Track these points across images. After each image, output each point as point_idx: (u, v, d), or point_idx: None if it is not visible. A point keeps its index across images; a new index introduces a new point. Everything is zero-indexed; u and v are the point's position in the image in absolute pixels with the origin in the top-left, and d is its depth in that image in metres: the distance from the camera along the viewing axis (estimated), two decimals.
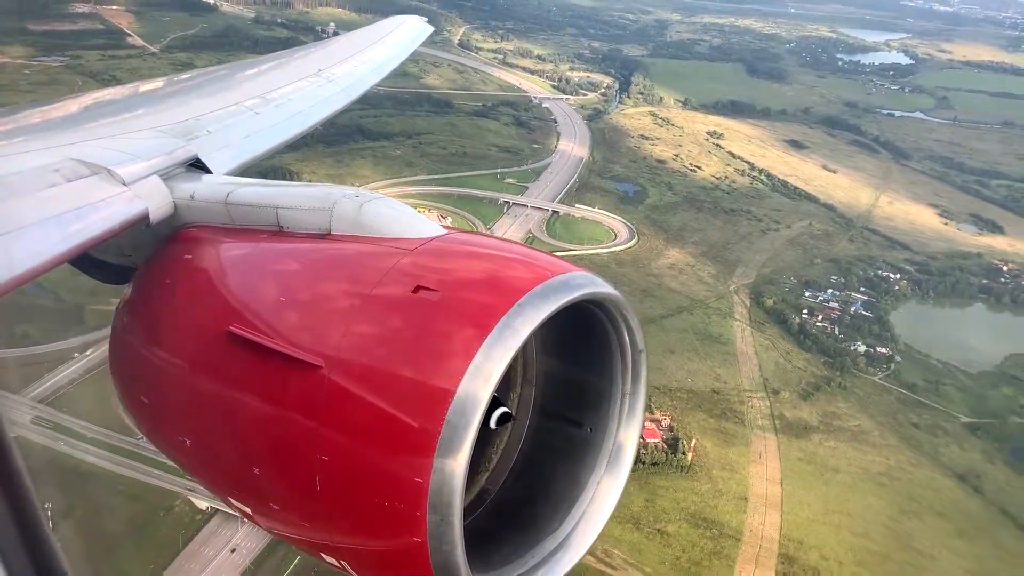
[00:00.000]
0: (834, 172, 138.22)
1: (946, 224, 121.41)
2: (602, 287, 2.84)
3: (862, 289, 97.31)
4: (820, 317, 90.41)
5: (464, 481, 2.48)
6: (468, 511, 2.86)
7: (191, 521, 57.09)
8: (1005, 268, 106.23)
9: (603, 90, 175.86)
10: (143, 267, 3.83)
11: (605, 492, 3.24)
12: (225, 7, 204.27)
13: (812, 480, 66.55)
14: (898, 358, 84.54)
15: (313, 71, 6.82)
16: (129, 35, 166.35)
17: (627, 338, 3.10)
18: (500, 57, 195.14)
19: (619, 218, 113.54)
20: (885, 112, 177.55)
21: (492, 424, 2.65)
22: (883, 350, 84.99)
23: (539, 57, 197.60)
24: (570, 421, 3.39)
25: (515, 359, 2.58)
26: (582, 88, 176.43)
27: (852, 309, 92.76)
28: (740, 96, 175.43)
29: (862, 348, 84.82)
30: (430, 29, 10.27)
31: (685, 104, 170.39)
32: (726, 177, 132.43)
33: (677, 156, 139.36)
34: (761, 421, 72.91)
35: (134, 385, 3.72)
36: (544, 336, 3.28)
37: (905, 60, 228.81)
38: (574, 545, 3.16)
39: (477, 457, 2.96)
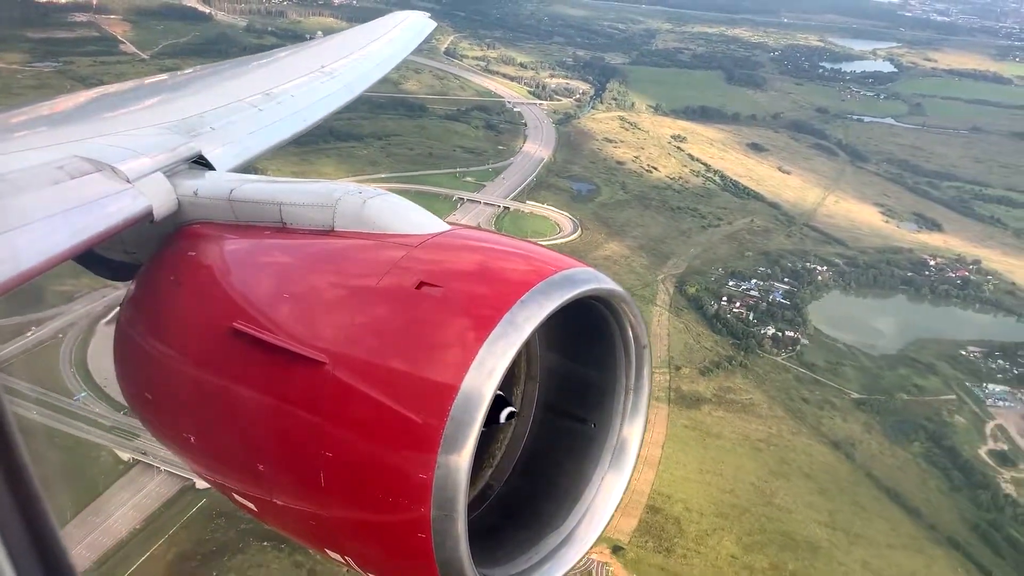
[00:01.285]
0: (788, 173, 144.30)
1: (887, 222, 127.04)
2: (605, 283, 2.90)
3: (785, 280, 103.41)
4: (738, 304, 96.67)
5: (468, 477, 2.50)
6: (472, 507, 2.93)
7: (113, 470, 64.36)
8: (932, 263, 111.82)
9: (578, 96, 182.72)
10: (147, 264, 3.86)
11: (609, 488, 3.29)
12: (220, 16, 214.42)
13: (693, 444, 72.96)
14: (804, 341, 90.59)
15: (316, 67, 6.84)
16: (122, 42, 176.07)
17: (630, 334, 3.16)
18: (483, 64, 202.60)
19: (567, 214, 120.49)
20: (855, 117, 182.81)
21: (496, 421, 2.71)
22: (791, 334, 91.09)
23: (521, 64, 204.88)
24: (574, 417, 3.42)
25: (519, 355, 2.61)
26: (558, 94, 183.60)
27: (771, 297, 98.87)
28: (713, 102, 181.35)
29: (771, 331, 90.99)
30: (433, 25, 10.47)
31: (656, 109, 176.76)
32: (680, 177, 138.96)
33: (637, 158, 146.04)
34: (658, 393, 79.18)
35: (139, 382, 3.77)
36: (547, 332, 3.27)
37: (888, 68, 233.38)
38: (578, 540, 3.20)
39: (481, 453, 3.11)
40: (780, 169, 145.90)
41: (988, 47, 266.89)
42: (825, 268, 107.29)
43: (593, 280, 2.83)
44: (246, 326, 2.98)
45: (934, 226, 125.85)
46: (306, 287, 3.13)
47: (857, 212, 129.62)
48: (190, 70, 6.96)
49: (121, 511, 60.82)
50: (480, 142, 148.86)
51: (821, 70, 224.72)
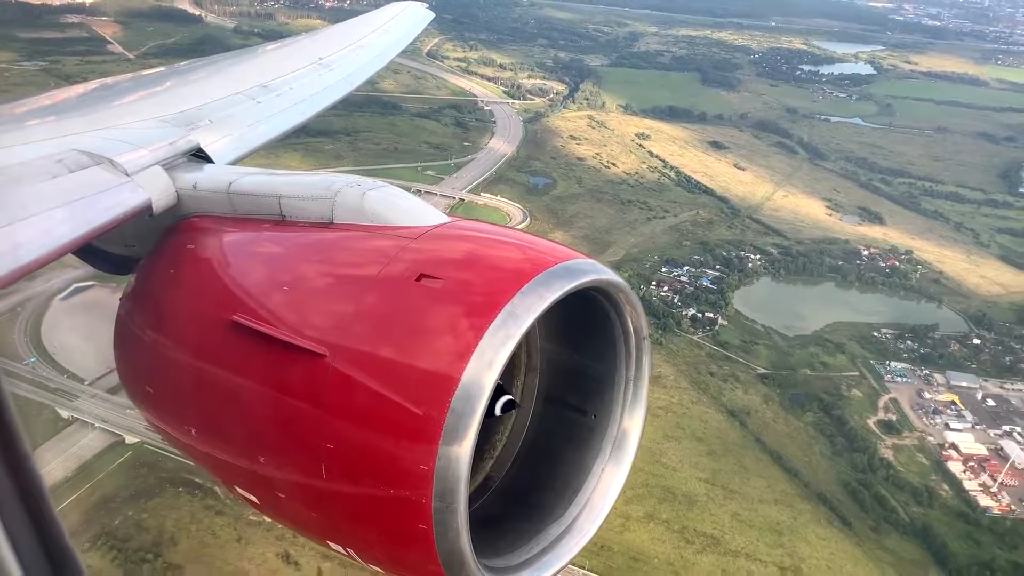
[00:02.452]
0: (743, 170, 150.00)
1: (830, 215, 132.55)
2: (605, 274, 2.95)
3: (717, 267, 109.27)
4: (666, 288, 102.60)
5: (469, 468, 2.54)
6: (473, 498, 3.01)
7: (52, 426, 71.03)
8: (866, 252, 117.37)
9: (551, 96, 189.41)
10: (146, 257, 3.90)
11: (609, 478, 3.34)
12: (210, 19, 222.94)
13: None
14: (723, 322, 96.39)
15: (314, 59, 6.92)
16: (110, 42, 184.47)
17: (630, 324, 3.21)
18: (464, 65, 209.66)
19: (519, 206, 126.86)
20: (823, 118, 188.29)
21: (497, 411, 2.72)
22: (711, 315, 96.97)
23: (501, 66, 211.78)
24: (574, 408, 3.47)
25: (519, 346, 2.63)
26: (532, 94, 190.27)
27: (699, 282, 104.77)
28: (683, 103, 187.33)
29: (691, 312, 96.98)
30: (431, 15, 10.48)
31: (627, 109, 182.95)
32: (637, 173, 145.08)
33: (598, 155, 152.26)
34: None
35: (139, 375, 3.82)
36: (547, 323, 3.24)
37: (867, 71, 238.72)
38: (579, 530, 3.25)
39: (482, 444, 3.08)
40: (736, 166, 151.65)
41: (972, 51, 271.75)
42: (758, 256, 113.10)
43: (593, 271, 2.90)
44: (246, 319, 3.04)
45: (876, 219, 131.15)
46: (306, 279, 3.16)
47: (804, 206, 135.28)
48: (186, 63, 6.99)
49: (56, 461, 67.59)
50: (447, 138, 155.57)
51: (799, 72, 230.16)
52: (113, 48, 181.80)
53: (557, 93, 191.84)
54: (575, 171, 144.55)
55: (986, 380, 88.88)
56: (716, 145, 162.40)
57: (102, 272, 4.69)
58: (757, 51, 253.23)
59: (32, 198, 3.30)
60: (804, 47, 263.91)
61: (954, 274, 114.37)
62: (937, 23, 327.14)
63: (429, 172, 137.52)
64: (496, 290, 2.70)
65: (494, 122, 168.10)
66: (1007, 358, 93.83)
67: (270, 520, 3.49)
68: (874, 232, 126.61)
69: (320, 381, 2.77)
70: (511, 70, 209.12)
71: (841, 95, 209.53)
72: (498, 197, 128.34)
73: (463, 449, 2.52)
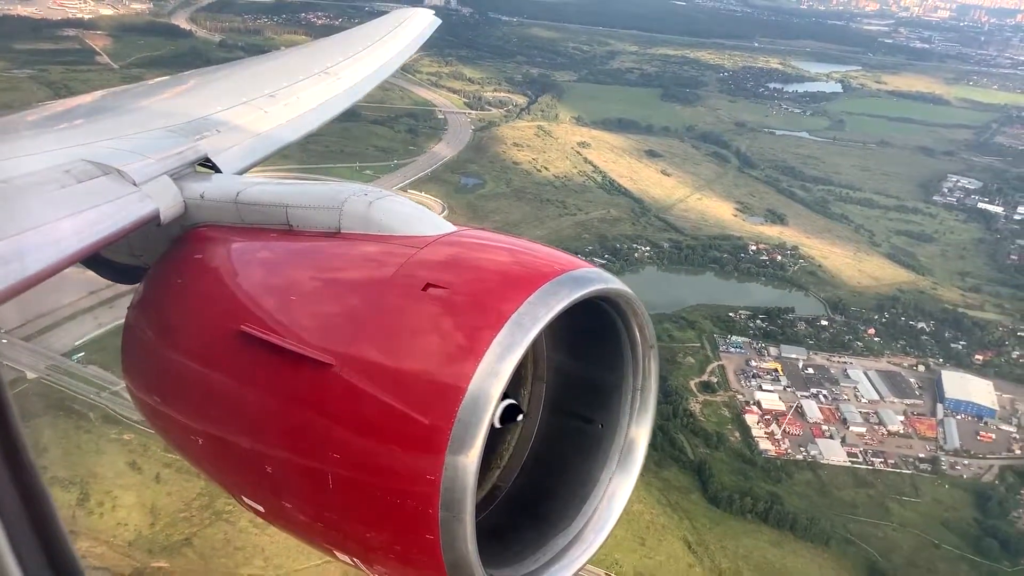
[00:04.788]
0: (668, 175, 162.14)
1: (736, 216, 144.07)
2: (612, 283, 2.99)
3: (606, 256, 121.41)
4: None
5: (476, 478, 2.57)
6: (480, 507, 3.05)
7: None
8: (753, 248, 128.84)
9: (509, 108, 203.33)
10: (154, 267, 3.97)
11: (617, 488, 3.38)
12: (201, 34, 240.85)
13: None
14: None
15: (320, 69, 7.18)
16: (99, 54, 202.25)
17: (637, 334, 3.25)
18: (435, 79, 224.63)
19: (441, 201, 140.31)
20: (769, 131, 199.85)
21: (503, 421, 2.76)
22: None
23: (470, 80, 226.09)
24: (581, 417, 3.52)
25: (526, 355, 2.66)
26: (492, 105, 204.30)
27: None
28: (636, 115, 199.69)
29: None
30: (438, 22, 10.87)
31: (578, 120, 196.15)
32: (566, 176, 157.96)
33: (534, 160, 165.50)
34: None
35: (147, 384, 3.88)
36: (554, 332, 3.31)
37: (833, 89, 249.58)
38: (586, 541, 3.29)
39: (489, 454, 3.13)
40: (663, 172, 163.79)
41: (949, 72, 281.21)
42: (647, 249, 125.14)
43: (600, 280, 2.94)
44: (253, 328, 3.09)
45: (779, 220, 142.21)
46: (313, 289, 3.24)
47: (714, 208, 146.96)
48: (194, 73, 7.18)
49: None
50: (395, 143, 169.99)
51: (763, 90, 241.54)
52: (100, 59, 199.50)
53: (516, 105, 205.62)
54: (507, 174, 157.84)
55: (816, 353, 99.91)
56: (651, 154, 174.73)
57: (110, 281, 4.84)
58: (730, 69, 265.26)
59: (40, 208, 3.36)
60: (779, 66, 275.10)
61: (833, 268, 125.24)
62: (926, 46, 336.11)
63: (367, 171, 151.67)
64: (503, 300, 2.75)
65: (445, 130, 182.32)
66: (847, 337, 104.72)
67: (277, 529, 3.48)
68: (772, 231, 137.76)
69: (327, 391, 2.84)
70: (479, 84, 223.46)
71: (796, 110, 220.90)
72: (422, 193, 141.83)
73: (470, 459, 2.56)
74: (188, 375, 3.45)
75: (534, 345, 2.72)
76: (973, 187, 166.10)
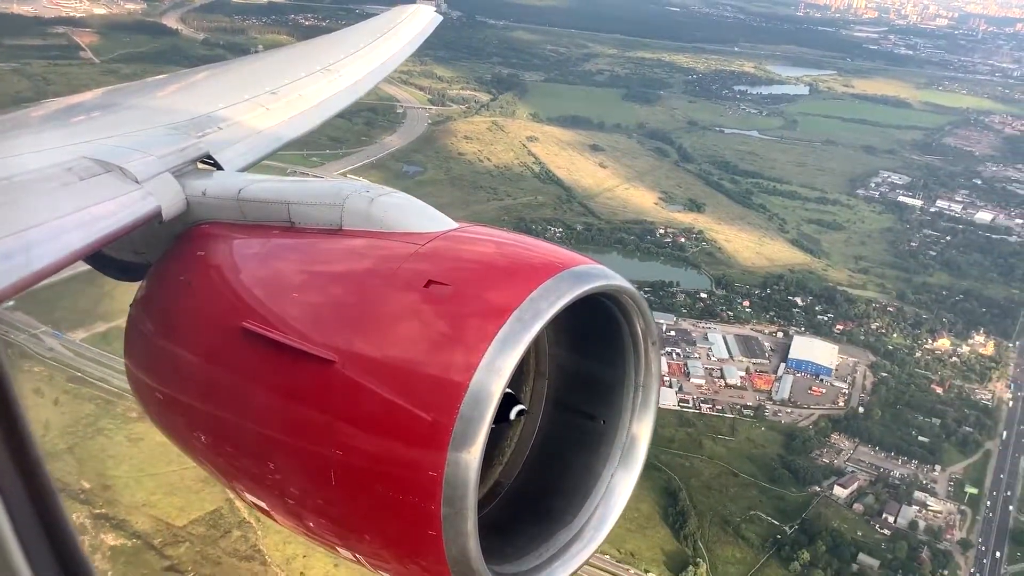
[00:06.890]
0: (605, 168, 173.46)
1: (656, 204, 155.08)
2: (614, 280, 3.04)
3: None
4: None
5: (478, 474, 2.62)
6: (482, 504, 3.07)
7: None
8: (661, 231, 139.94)
9: (469, 104, 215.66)
10: (157, 264, 4.04)
11: (619, 484, 3.43)
12: (187, 33, 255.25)
13: None
14: None
15: (322, 66, 7.35)
16: (83, 50, 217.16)
17: (639, 330, 3.31)
18: (405, 78, 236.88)
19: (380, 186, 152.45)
20: (718, 129, 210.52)
21: (505, 417, 2.83)
22: None
23: (439, 78, 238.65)
24: (583, 414, 3.59)
25: (528, 352, 2.71)
26: (454, 102, 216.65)
27: None
28: (591, 113, 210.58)
29: None
30: (440, 18, 11.25)
31: (534, 117, 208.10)
32: (505, 166, 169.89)
33: (479, 151, 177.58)
34: None
35: (150, 381, 3.91)
36: (556, 329, 3.37)
37: (798, 92, 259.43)
38: (588, 537, 3.34)
39: (491, 450, 3.21)
40: (600, 164, 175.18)
41: (922, 77, 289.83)
42: (559, 230, 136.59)
43: (602, 277, 2.99)
44: (256, 325, 3.15)
45: (697, 208, 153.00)
46: (315, 286, 3.31)
47: (637, 196, 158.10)
48: (196, 70, 7.28)
49: None
50: (349, 134, 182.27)
51: (726, 92, 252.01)
52: (84, 55, 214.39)
53: (477, 102, 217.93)
54: (449, 163, 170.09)
55: (684, 320, 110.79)
56: (595, 148, 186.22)
57: (112, 279, 4.86)
58: (701, 72, 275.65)
59: (43, 205, 3.41)
60: (752, 70, 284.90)
61: (732, 250, 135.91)
62: (910, 52, 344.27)
63: (314, 159, 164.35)
64: (505, 296, 2.80)
65: (402, 124, 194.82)
66: (721, 308, 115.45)
67: (281, 526, 3.51)
68: (686, 218, 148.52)
69: (329, 388, 2.89)
70: (447, 82, 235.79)
71: (752, 111, 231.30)
72: (360, 180, 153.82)
73: (472, 455, 2.60)
74: (191, 372, 3.57)
75: (536, 341, 2.79)
76: (902, 183, 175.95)
